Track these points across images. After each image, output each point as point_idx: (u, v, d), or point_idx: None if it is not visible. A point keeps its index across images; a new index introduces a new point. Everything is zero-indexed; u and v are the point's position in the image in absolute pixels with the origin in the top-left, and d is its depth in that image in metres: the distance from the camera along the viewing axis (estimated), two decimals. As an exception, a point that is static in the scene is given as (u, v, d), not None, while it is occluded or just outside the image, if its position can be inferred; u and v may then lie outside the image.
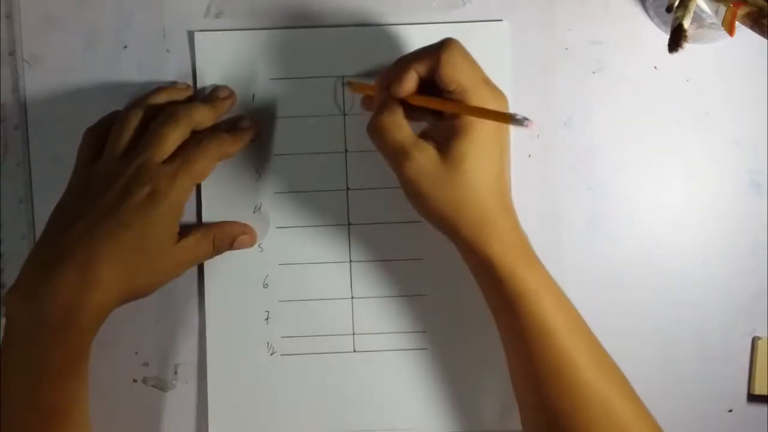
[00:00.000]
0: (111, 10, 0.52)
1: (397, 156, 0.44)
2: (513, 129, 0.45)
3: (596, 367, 0.44)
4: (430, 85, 0.45)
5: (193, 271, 0.52)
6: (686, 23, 0.44)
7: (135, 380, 0.52)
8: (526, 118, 0.39)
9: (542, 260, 0.46)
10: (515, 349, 0.46)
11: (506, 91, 0.51)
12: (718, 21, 0.44)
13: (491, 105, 0.43)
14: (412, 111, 0.46)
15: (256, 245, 0.52)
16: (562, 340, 0.44)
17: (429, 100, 0.45)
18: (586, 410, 0.43)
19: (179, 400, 0.52)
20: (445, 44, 0.44)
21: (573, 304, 0.46)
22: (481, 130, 0.43)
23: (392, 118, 0.44)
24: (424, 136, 0.45)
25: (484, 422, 0.52)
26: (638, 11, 0.52)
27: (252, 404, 0.52)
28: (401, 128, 0.44)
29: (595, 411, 0.43)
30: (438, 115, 0.45)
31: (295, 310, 0.52)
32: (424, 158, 0.43)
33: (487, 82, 0.44)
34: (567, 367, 0.44)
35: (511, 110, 0.51)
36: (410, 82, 0.44)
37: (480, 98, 0.43)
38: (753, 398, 0.52)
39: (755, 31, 0.43)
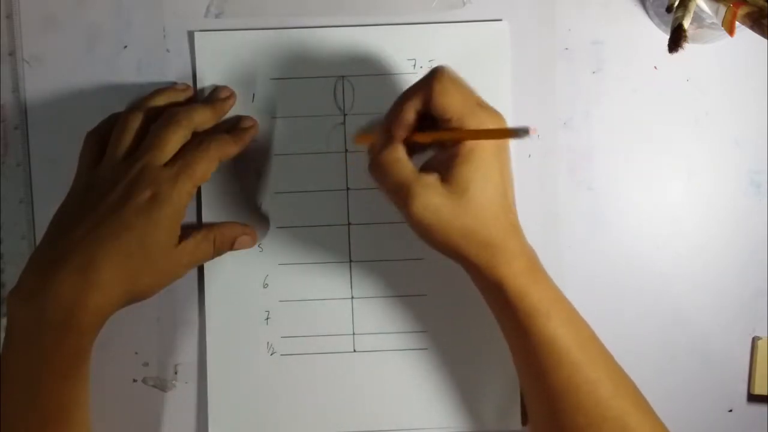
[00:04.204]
0: (111, 10, 0.52)
1: (400, 193, 0.43)
2: (535, 129, 0.44)
3: (611, 383, 0.44)
4: (431, 118, 0.44)
5: (193, 271, 0.52)
6: (686, 23, 0.44)
7: (135, 380, 0.52)
8: (525, 128, 0.39)
9: (542, 260, 0.46)
10: (528, 368, 0.45)
11: (506, 91, 0.52)
12: (718, 21, 0.44)
13: (489, 126, 0.43)
14: (416, 146, 0.45)
15: (256, 245, 0.52)
16: (575, 356, 0.44)
17: (428, 135, 0.44)
18: (601, 427, 0.43)
19: (179, 400, 0.52)
20: (435, 74, 0.43)
21: (584, 319, 0.46)
22: (481, 154, 0.43)
23: (393, 155, 0.44)
24: (426, 167, 0.45)
25: (484, 422, 0.52)
26: (638, 11, 0.52)
27: (252, 404, 0.52)
28: (403, 165, 0.44)
29: (611, 427, 0.43)
30: (443, 145, 0.45)
31: (295, 310, 0.52)
32: (428, 192, 0.43)
33: (481, 104, 0.44)
34: (581, 383, 0.44)
35: (510, 113, 0.52)
36: (408, 120, 0.44)
37: (477, 121, 0.43)
38: (753, 398, 0.52)
39: (755, 31, 0.43)
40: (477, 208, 0.43)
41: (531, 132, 0.39)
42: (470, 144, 0.43)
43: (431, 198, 0.43)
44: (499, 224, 0.43)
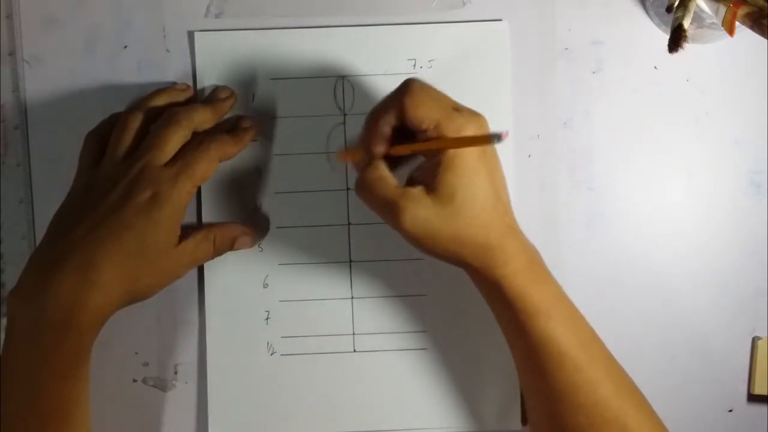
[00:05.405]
0: (111, 10, 0.52)
1: (388, 210, 0.43)
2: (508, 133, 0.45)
3: (611, 383, 0.44)
4: (408, 128, 0.44)
5: (193, 271, 0.52)
6: (686, 23, 0.44)
7: (135, 380, 0.52)
8: (498, 134, 0.39)
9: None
10: (529, 368, 0.45)
11: (506, 91, 0.52)
12: (718, 21, 0.44)
13: (469, 129, 0.43)
14: (400, 158, 0.45)
15: (256, 245, 0.52)
16: (576, 356, 0.44)
17: (406, 147, 0.44)
18: (601, 427, 0.43)
19: (179, 400, 0.52)
20: (404, 88, 0.43)
21: (586, 318, 0.46)
22: (464, 159, 0.42)
23: (375, 174, 0.44)
24: (413, 179, 0.45)
25: (484, 422, 0.52)
26: (638, 11, 0.52)
27: (252, 404, 0.52)
28: (386, 183, 0.44)
29: (611, 427, 0.43)
30: (426, 155, 0.45)
31: (295, 310, 0.52)
32: (416, 205, 0.43)
33: (458, 108, 0.44)
34: (582, 383, 0.43)
35: (510, 113, 0.52)
36: (383, 137, 0.44)
37: (455, 127, 0.42)
38: (753, 398, 0.52)
39: (755, 31, 0.43)
40: (467, 213, 0.43)
41: (503, 137, 0.39)
42: (453, 151, 0.42)
43: (419, 210, 0.42)
44: (493, 227, 0.43)
